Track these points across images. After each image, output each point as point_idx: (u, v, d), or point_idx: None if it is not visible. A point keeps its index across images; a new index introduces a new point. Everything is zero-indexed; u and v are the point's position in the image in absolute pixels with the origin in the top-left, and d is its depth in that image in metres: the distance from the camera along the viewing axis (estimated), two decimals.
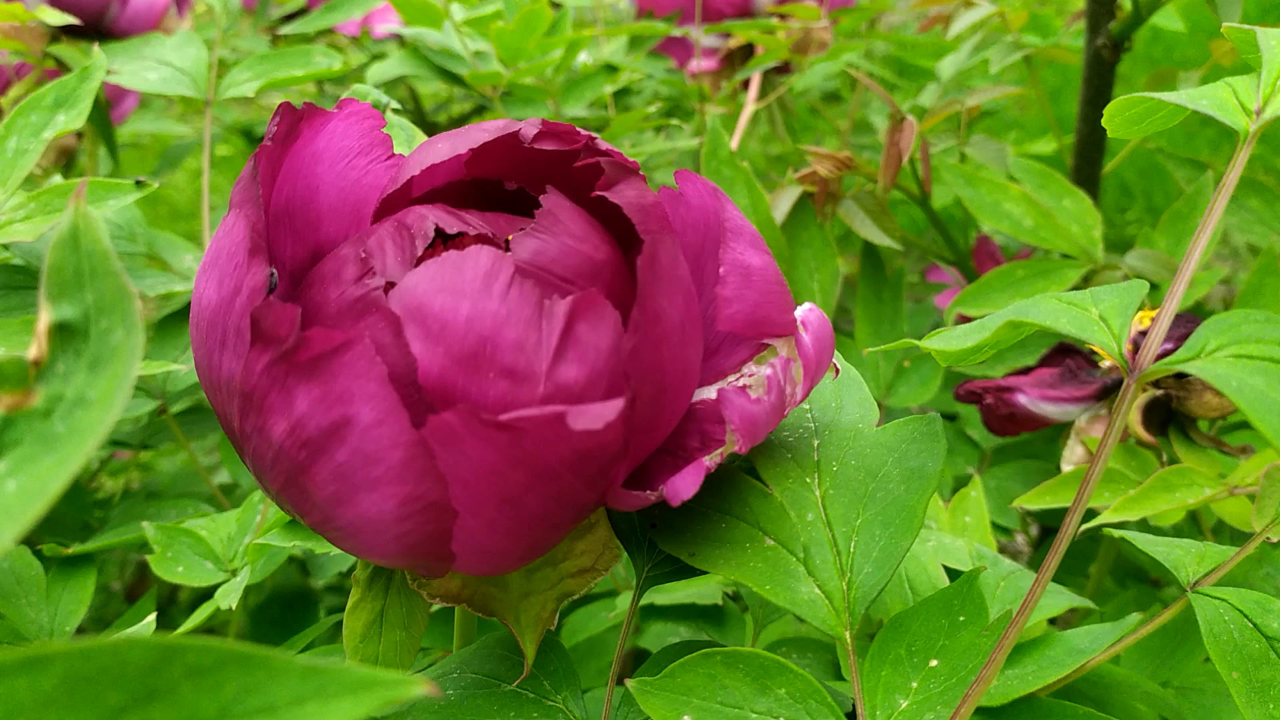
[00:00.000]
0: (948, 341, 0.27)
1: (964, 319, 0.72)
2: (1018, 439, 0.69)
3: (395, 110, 0.47)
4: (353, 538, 0.27)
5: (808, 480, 0.30)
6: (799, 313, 0.29)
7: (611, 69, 0.81)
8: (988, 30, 0.87)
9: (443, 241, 0.30)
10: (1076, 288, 0.68)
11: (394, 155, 0.33)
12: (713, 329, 0.31)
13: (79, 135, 0.84)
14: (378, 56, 1.09)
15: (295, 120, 0.29)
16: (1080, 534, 0.66)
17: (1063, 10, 1.24)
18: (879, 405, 0.68)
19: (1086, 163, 0.72)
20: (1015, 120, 1.57)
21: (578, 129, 0.30)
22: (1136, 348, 0.56)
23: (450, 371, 0.26)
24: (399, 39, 1.04)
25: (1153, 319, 0.26)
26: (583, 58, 0.86)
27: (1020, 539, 0.89)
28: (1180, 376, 0.52)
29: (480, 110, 1.05)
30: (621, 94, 0.97)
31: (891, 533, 0.29)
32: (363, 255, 0.28)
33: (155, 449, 0.68)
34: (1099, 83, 0.69)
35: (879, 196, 0.66)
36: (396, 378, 0.27)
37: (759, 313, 0.29)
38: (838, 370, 0.32)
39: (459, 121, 1.13)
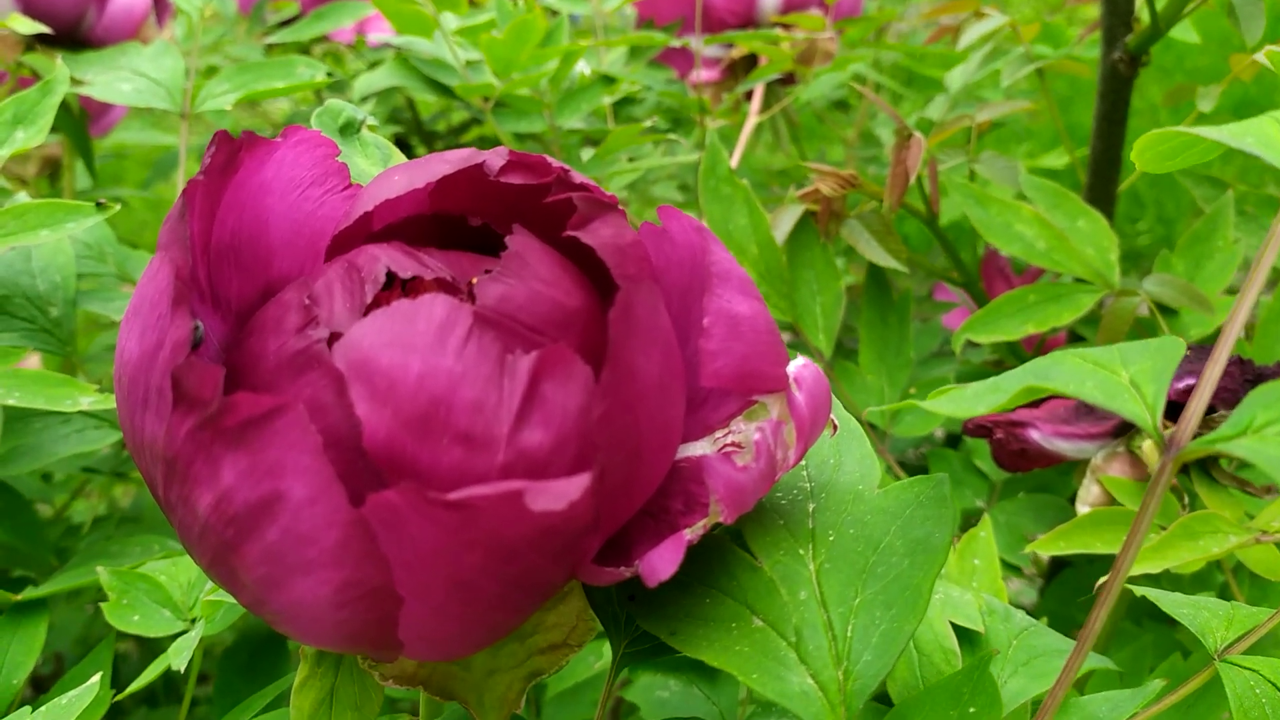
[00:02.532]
0: (956, 404, 0.24)
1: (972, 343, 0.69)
2: (1027, 476, 0.66)
3: (371, 127, 0.45)
4: (288, 623, 0.24)
5: (801, 552, 0.27)
6: (792, 369, 0.26)
7: (609, 80, 0.78)
8: (999, 40, 0.84)
9: (402, 286, 0.27)
10: (1092, 314, 0.65)
11: (351, 186, 0.30)
12: (698, 380, 0.28)
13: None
14: (376, 63, 1.06)
15: (233, 151, 0.26)
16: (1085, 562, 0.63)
17: (1074, 19, 1.21)
18: (883, 434, 0.65)
19: (1101, 180, 0.69)
20: (1026, 130, 1.53)
21: (549, 160, 0.27)
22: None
23: (399, 436, 0.23)
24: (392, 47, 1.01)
25: (1194, 387, 0.23)
26: (582, 67, 0.83)
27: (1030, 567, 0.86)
28: (1206, 411, 0.49)
29: (477, 121, 1.03)
30: (622, 104, 0.94)
31: (894, 615, 0.26)
32: (306, 302, 0.25)
33: (127, 477, 0.65)
34: (1115, 98, 0.66)
35: (884, 216, 0.63)
36: (339, 442, 0.24)
37: (747, 366, 0.26)
38: (836, 427, 0.29)
39: (457, 130, 1.10)
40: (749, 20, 0.91)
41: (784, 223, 0.63)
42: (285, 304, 0.26)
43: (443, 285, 0.27)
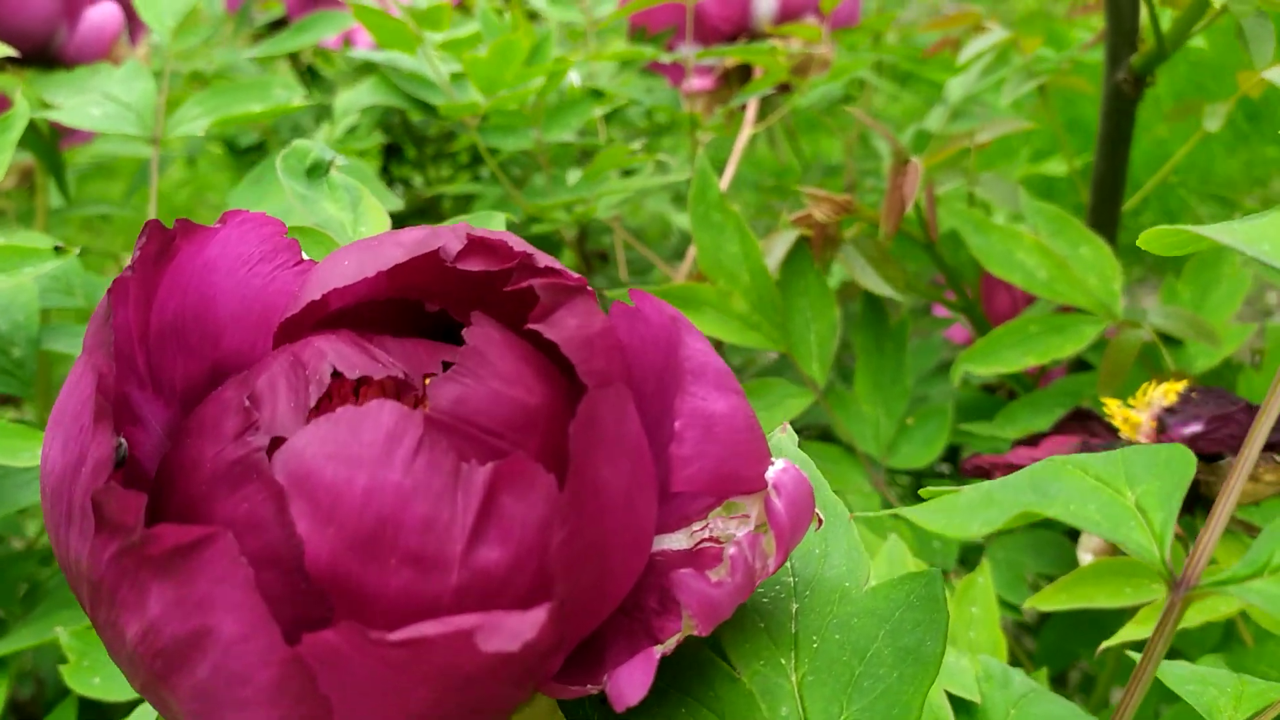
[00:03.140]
0: (948, 521, 0.22)
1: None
2: None
3: (340, 167, 0.43)
4: None
5: (783, 661, 0.25)
6: (771, 474, 0.24)
7: (598, 94, 0.76)
8: (999, 49, 0.82)
9: (354, 388, 0.26)
10: (1095, 345, 0.63)
11: (303, 262, 0.28)
12: (670, 479, 0.26)
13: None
14: (366, 64, 1.04)
15: (167, 240, 0.25)
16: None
17: (1078, 24, 1.18)
18: (879, 466, 0.63)
19: (1105, 201, 0.67)
20: (1025, 135, 1.51)
21: (511, 243, 0.25)
22: (1160, 426, 0.51)
23: (344, 558, 0.22)
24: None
25: (1204, 529, 0.21)
26: (572, 77, 0.81)
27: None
28: (1210, 459, 0.47)
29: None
30: (614, 115, 0.92)
31: None
32: (246, 404, 0.23)
33: None
34: (1119, 118, 0.64)
35: (881, 243, 0.61)
36: (278, 562, 0.22)
37: (724, 469, 0.24)
38: (820, 522, 0.27)
39: (449, 135, 1.08)
40: (743, 28, 0.89)
41: (777, 250, 0.61)
42: (224, 403, 0.24)
43: (395, 384, 0.25)
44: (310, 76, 1.09)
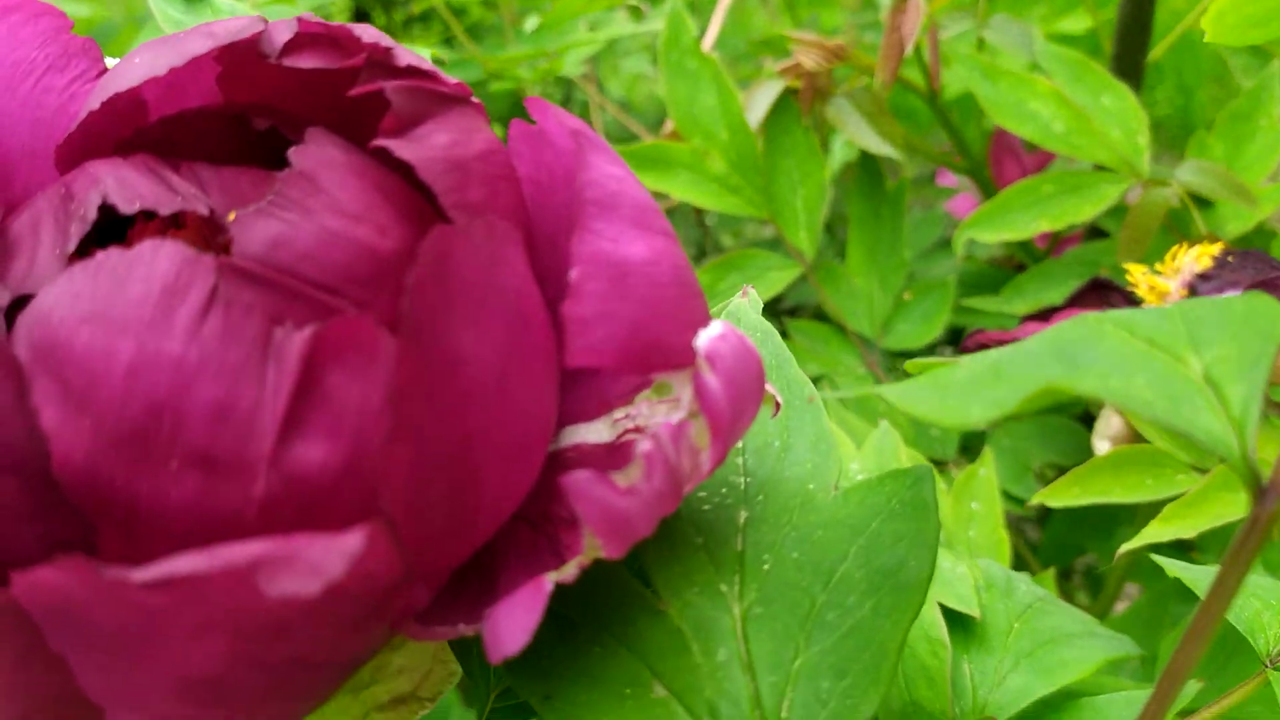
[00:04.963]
0: (940, 404, 0.16)
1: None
2: None
3: None
4: None
5: (723, 588, 0.20)
6: (702, 341, 0.18)
7: None
8: None
9: (168, 224, 0.19)
10: (1114, 211, 0.56)
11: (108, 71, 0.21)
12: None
13: None
14: None
15: None
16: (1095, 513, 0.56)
17: None
18: (873, 347, 0.57)
19: (1129, 50, 0.59)
20: None
21: (360, 34, 0.19)
22: (1192, 293, 0.45)
23: (104, 458, 0.16)
24: None
25: None
26: None
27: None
28: None
29: None
30: None
31: (847, 686, 0.18)
32: None
33: None
34: None
35: (877, 93, 0.54)
36: (18, 466, 0.16)
37: (641, 337, 0.18)
38: (779, 405, 0.21)
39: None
40: None
41: (759, 103, 0.54)
42: None
43: (199, 224, 0.19)
44: None
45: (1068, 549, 0.60)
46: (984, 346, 0.46)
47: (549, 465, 0.20)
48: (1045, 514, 0.64)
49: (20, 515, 0.16)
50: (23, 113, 0.21)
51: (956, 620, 0.33)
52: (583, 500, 0.17)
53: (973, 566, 0.35)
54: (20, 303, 0.17)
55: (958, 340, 0.73)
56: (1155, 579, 0.53)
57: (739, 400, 0.18)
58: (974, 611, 0.33)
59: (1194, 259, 0.43)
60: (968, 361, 0.17)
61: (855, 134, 0.53)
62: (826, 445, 0.22)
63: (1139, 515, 0.49)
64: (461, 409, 0.16)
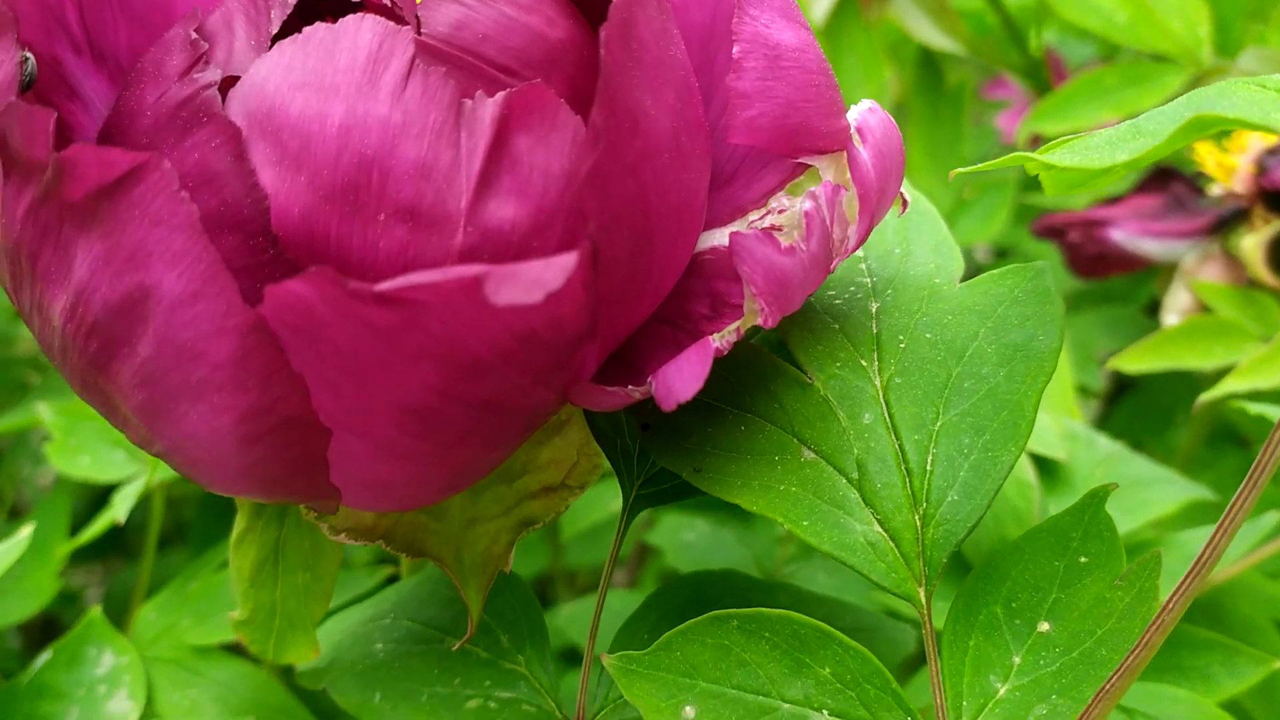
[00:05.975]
0: (1085, 156, 0.17)
1: (1036, 142, 0.61)
2: (1094, 283, 0.60)
3: None
4: (190, 467, 0.18)
5: (864, 363, 0.21)
6: (854, 115, 0.19)
7: None
8: None
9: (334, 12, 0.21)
10: (1176, 96, 0.57)
11: None
12: (725, 144, 0.21)
13: None
14: None
15: None
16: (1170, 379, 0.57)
17: None
18: None
19: None
20: None
21: None
22: (1260, 169, 0.46)
23: (319, 213, 0.17)
24: None
25: None
26: None
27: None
28: None
29: None
30: None
31: (987, 441, 0.20)
32: (193, 37, 0.19)
33: None
34: None
35: None
36: (240, 224, 0.18)
37: (794, 117, 0.19)
38: (906, 202, 0.22)
39: None
40: None
41: (821, 1, 0.55)
42: (169, 42, 0.19)
43: (383, 10, 0.20)
44: None
45: (1128, 442, 0.61)
46: (1051, 228, 0.47)
47: (689, 269, 0.22)
48: (1104, 415, 0.65)
49: (241, 270, 0.17)
50: None
51: (1043, 467, 0.34)
52: (748, 259, 0.18)
53: (1055, 419, 0.36)
54: (223, 85, 0.18)
55: None
56: (1211, 465, 0.54)
57: (885, 174, 0.19)
58: (1060, 455, 0.34)
59: (1261, 134, 0.44)
60: (1100, 133, 0.19)
61: (917, 29, 0.54)
62: (947, 247, 0.23)
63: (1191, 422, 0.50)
64: (641, 165, 0.18)
